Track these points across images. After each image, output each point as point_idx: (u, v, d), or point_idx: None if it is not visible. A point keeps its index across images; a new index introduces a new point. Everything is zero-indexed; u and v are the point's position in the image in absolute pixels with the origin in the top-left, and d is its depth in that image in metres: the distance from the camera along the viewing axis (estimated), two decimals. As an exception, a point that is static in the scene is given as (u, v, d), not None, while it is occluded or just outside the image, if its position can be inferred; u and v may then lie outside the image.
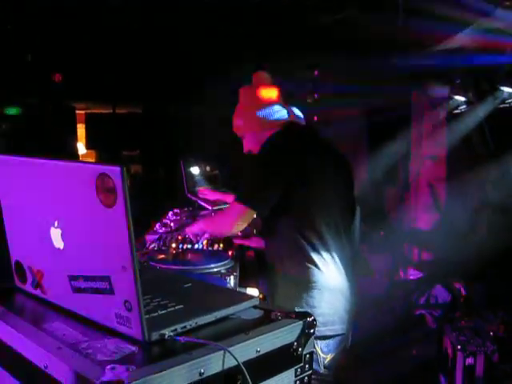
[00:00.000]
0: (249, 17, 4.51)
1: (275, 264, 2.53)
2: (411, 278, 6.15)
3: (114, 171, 1.08)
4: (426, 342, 4.98)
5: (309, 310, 1.39)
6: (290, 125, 2.60)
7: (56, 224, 1.28)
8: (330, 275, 2.42)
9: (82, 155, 8.74)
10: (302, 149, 2.48)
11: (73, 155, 7.71)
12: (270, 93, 2.64)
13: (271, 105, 2.60)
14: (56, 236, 1.29)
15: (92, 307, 1.27)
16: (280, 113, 2.61)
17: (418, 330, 5.33)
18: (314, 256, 2.40)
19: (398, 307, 5.73)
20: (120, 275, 1.14)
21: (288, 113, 2.63)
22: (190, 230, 2.75)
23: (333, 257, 2.44)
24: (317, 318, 2.04)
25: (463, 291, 5.21)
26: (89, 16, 4.66)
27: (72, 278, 1.28)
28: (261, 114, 2.58)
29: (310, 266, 2.40)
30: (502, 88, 4.07)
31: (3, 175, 1.43)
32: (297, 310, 1.41)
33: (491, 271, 4.59)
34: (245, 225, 2.50)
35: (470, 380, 3.82)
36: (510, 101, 4.15)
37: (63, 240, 1.28)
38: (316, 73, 5.57)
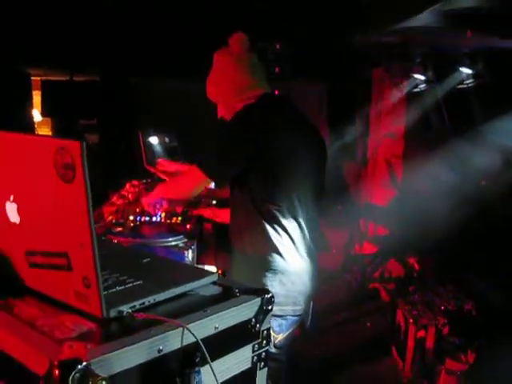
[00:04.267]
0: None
1: (234, 239, 2.49)
2: (366, 252, 6.27)
3: (72, 146, 1.05)
4: (379, 314, 5.11)
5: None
6: (264, 97, 2.47)
7: (12, 198, 1.25)
8: (287, 257, 2.37)
9: (38, 123, 8.52)
10: (270, 125, 2.35)
11: (28, 122, 7.51)
12: (248, 60, 2.49)
13: (248, 74, 2.47)
14: (12, 210, 1.26)
15: (49, 283, 1.25)
16: (256, 83, 2.48)
17: (371, 303, 5.46)
18: (273, 236, 2.35)
19: (353, 281, 5.85)
20: (78, 251, 1.12)
21: (264, 83, 2.51)
22: (146, 201, 2.70)
23: (292, 239, 2.38)
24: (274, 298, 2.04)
25: (416, 266, 5.34)
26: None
27: (29, 253, 1.26)
28: (236, 83, 2.46)
29: (267, 245, 2.35)
30: (461, 69, 4.13)
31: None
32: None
33: (444, 247, 4.71)
34: (199, 191, 2.53)
35: (421, 352, 3.95)
36: (468, 81, 4.21)
37: (19, 215, 1.25)
38: (278, 46, 5.53)
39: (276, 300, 2.23)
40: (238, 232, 2.46)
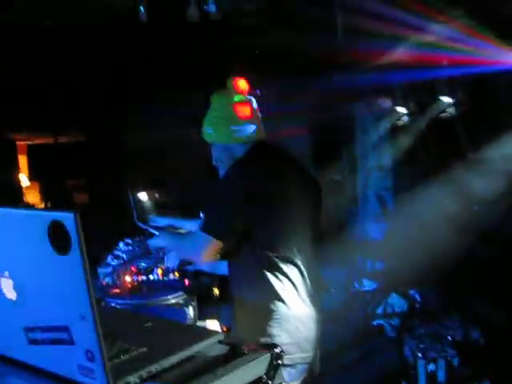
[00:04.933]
0: (187, 41, 4.51)
1: (234, 289, 2.44)
2: (366, 289, 6.20)
3: (67, 218, 1.03)
4: (386, 351, 5.01)
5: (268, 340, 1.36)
6: (259, 144, 2.46)
7: (7, 274, 1.22)
8: (290, 304, 2.32)
9: (26, 187, 8.50)
10: (269, 174, 2.35)
11: (16, 188, 7.51)
12: (247, 106, 2.46)
13: (247, 119, 2.43)
14: (7, 286, 1.23)
15: (51, 359, 1.21)
16: (253, 129, 2.45)
17: (377, 340, 5.37)
18: (274, 283, 2.31)
19: (356, 319, 5.76)
20: (79, 324, 1.09)
21: (259, 129, 2.49)
22: (154, 243, 2.67)
23: (294, 284, 2.34)
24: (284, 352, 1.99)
25: (418, 298, 5.29)
26: (24, 42, 4.56)
27: (28, 329, 1.22)
28: (236, 127, 2.42)
29: (269, 293, 2.31)
30: (442, 98, 4.18)
31: None
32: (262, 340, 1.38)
33: (444, 275, 4.68)
34: (215, 254, 2.33)
35: (434, 385, 3.88)
36: (449, 110, 4.26)
37: (16, 291, 1.22)
38: (258, 92, 5.58)
39: (283, 348, 2.17)
40: (237, 282, 2.41)
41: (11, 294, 1.23)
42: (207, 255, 2.31)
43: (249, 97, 2.51)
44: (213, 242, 2.28)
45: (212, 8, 3.44)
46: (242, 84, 2.50)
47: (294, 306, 2.35)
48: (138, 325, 1.51)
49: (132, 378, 1.14)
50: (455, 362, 3.86)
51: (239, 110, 2.44)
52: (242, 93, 2.48)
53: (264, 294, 2.32)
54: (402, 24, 3.22)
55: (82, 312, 1.07)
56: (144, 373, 1.17)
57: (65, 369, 1.18)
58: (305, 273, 2.38)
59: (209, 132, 2.52)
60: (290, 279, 2.34)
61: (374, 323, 5.65)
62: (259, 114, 2.55)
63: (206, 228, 2.29)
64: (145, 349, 1.29)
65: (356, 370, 4.83)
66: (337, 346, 4.98)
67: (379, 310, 5.73)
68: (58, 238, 1.05)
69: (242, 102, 2.46)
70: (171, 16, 3.80)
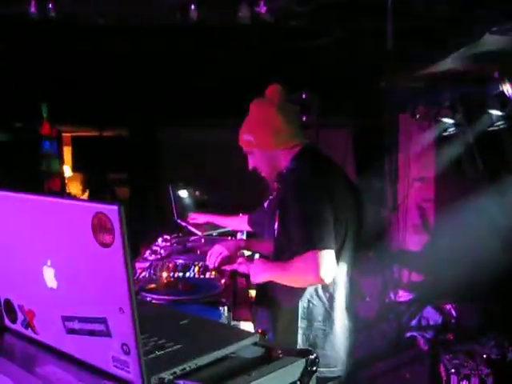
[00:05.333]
0: (235, 41, 4.52)
1: (273, 292, 2.40)
2: (401, 299, 6.13)
3: (111, 210, 1.04)
4: (418, 364, 4.94)
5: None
6: (308, 149, 2.44)
7: (49, 263, 1.23)
8: (336, 315, 2.30)
9: (68, 178, 8.67)
10: (330, 178, 2.33)
11: (59, 178, 7.66)
12: (289, 110, 2.47)
13: (289, 123, 2.43)
14: (49, 275, 1.24)
15: (87, 349, 1.22)
16: (296, 134, 2.44)
17: (409, 352, 5.30)
18: (322, 292, 2.28)
19: (390, 330, 5.70)
20: (117, 317, 1.09)
21: (302, 133, 2.48)
22: (254, 279, 2.43)
23: (341, 294, 2.32)
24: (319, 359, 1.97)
25: (454, 313, 5.20)
26: (76, 40, 4.65)
27: (66, 318, 1.23)
28: (277, 132, 2.41)
29: (316, 302, 2.28)
30: (491, 111, 4.08)
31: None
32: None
33: (482, 293, 4.58)
34: (333, 269, 2.14)
35: (465, 403, 3.80)
36: (498, 123, 4.16)
37: (56, 279, 1.23)
38: (304, 95, 5.57)
39: (324, 361, 2.14)
40: (281, 288, 2.33)
41: (52, 283, 1.24)
42: (324, 272, 2.11)
43: (289, 104, 2.49)
44: (322, 256, 2.11)
45: (263, 9, 3.44)
46: (279, 89, 2.48)
47: (339, 317, 2.33)
48: (174, 321, 1.51)
49: (166, 375, 1.14)
50: (489, 381, 3.77)
51: (280, 115, 2.42)
52: (279, 98, 2.46)
53: (310, 301, 2.29)
54: (456, 32, 3.17)
55: (120, 305, 1.07)
56: (178, 370, 1.17)
57: (100, 360, 1.19)
58: (347, 278, 2.36)
59: (247, 139, 2.49)
60: (337, 287, 2.31)
61: (408, 335, 5.58)
62: (300, 120, 2.54)
63: (314, 242, 2.12)
64: (179, 346, 1.29)
65: (386, 381, 4.77)
66: (368, 356, 4.94)
67: (413, 322, 5.65)
68: (101, 229, 1.06)
69: (282, 107, 2.44)
70: (222, 16, 3.82)
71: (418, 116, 5.50)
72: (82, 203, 1.14)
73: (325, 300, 2.30)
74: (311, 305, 2.29)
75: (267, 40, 4.39)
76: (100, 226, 1.06)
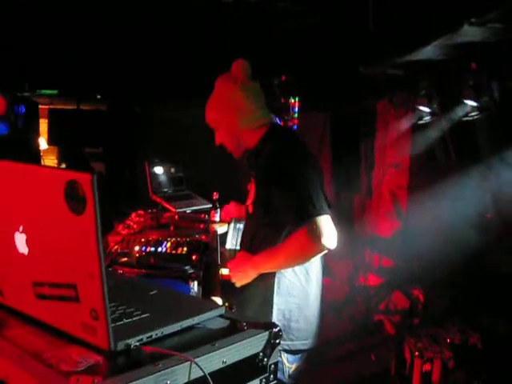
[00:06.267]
0: (215, 21, 4.50)
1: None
2: (371, 284, 6.22)
3: (84, 178, 1.06)
4: (384, 347, 5.05)
5: (285, 323, 1.38)
6: (276, 129, 2.45)
7: (21, 229, 1.25)
8: (311, 289, 2.36)
9: (44, 151, 8.57)
10: (306, 152, 2.34)
11: (35, 151, 7.56)
12: (253, 88, 2.42)
13: (253, 102, 2.40)
14: (20, 241, 1.26)
15: (56, 315, 1.24)
16: (262, 114, 2.43)
17: (376, 335, 5.40)
18: (297, 268, 2.31)
19: (358, 312, 5.79)
20: (87, 283, 1.12)
21: (267, 112, 2.45)
22: (235, 269, 2.37)
23: (316, 268, 2.37)
24: (293, 333, 2.05)
25: (421, 298, 5.29)
26: (54, 10, 4.58)
27: (36, 284, 1.25)
28: (241, 111, 2.38)
29: (291, 278, 2.32)
30: (466, 101, 4.15)
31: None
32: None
33: (449, 279, 4.68)
34: (334, 234, 2.10)
35: (427, 385, 3.90)
36: (473, 114, 4.23)
37: (28, 245, 1.25)
38: (283, 78, 5.59)
39: (298, 334, 2.18)
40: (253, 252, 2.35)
41: (23, 249, 1.26)
42: (326, 240, 2.07)
43: (253, 82, 2.44)
44: (324, 221, 2.09)
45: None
46: (244, 65, 2.42)
47: (313, 292, 2.38)
48: (143, 292, 1.54)
49: (132, 341, 1.17)
50: (450, 364, 3.87)
51: (244, 93, 2.38)
52: (244, 75, 2.40)
53: (280, 273, 2.32)
54: (435, 22, 3.20)
55: (90, 271, 1.10)
56: (144, 337, 1.20)
57: (69, 325, 1.21)
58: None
59: (212, 117, 2.46)
60: (311, 263, 2.35)
61: (375, 318, 5.68)
62: (264, 98, 2.48)
63: (309, 213, 2.09)
64: (147, 315, 1.32)
65: (351, 363, 4.87)
66: (336, 337, 5.03)
67: (381, 306, 5.75)
68: (73, 197, 1.08)
69: (245, 85, 2.40)
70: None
71: (395, 103, 5.56)
72: (54, 171, 1.16)
73: (300, 275, 2.34)
74: (287, 281, 2.33)
75: (249, 21, 4.38)
76: (73, 193, 1.08)
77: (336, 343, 5.01)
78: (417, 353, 3.96)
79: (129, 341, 1.16)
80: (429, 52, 3.70)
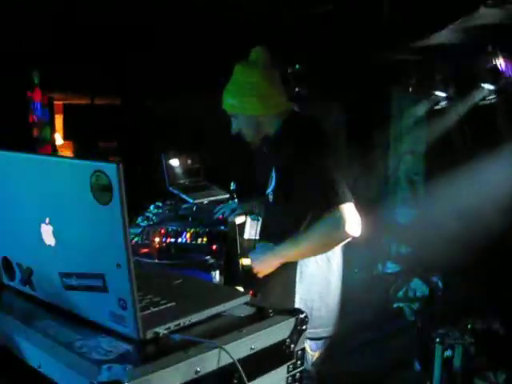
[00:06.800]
0: (227, 10, 4.49)
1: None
2: (389, 271, 6.20)
3: (109, 168, 1.06)
4: (404, 334, 5.03)
5: (308, 312, 1.38)
6: (297, 114, 2.43)
7: (47, 221, 1.26)
8: (332, 278, 2.37)
9: (59, 146, 8.63)
10: (329, 140, 2.33)
11: (50, 145, 7.63)
12: (273, 74, 2.41)
13: (273, 89, 2.38)
14: (47, 233, 1.27)
15: (85, 305, 1.25)
16: (281, 99, 2.41)
17: (396, 322, 5.39)
18: (319, 256, 2.32)
19: (377, 300, 5.78)
20: (114, 273, 1.12)
21: (286, 99, 2.43)
22: (258, 258, 2.36)
23: (337, 256, 2.39)
24: (315, 321, 2.04)
25: (440, 284, 5.28)
26: (68, 7, 4.60)
27: (64, 275, 1.27)
28: (263, 98, 2.35)
29: (313, 267, 2.33)
30: (483, 85, 4.10)
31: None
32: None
33: (469, 266, 4.65)
34: (358, 221, 2.10)
35: (448, 371, 3.88)
36: (490, 98, 4.19)
37: (55, 237, 1.26)
38: (297, 66, 5.57)
39: (320, 322, 2.19)
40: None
41: (50, 240, 1.27)
42: (350, 227, 2.07)
43: (273, 68, 2.43)
44: (348, 208, 2.08)
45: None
46: (264, 52, 2.42)
47: (335, 281, 2.39)
48: (168, 281, 1.55)
49: (161, 329, 1.17)
50: (472, 350, 3.86)
51: (265, 79, 2.36)
52: (264, 61, 2.40)
53: (302, 262, 2.33)
54: (451, 5, 3.17)
55: (117, 261, 1.10)
56: (172, 325, 1.21)
57: (97, 315, 1.23)
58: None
59: (231, 103, 2.43)
60: (334, 253, 2.37)
61: (395, 306, 5.66)
62: (282, 86, 2.46)
63: (334, 200, 2.08)
64: (174, 303, 1.33)
65: (371, 351, 4.86)
66: (355, 326, 5.02)
67: (400, 294, 5.74)
68: (99, 187, 1.09)
69: (266, 71, 2.38)
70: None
71: (410, 89, 5.52)
72: (80, 161, 1.16)
73: (322, 264, 2.34)
74: (309, 270, 2.33)
75: (261, 9, 4.36)
76: (98, 184, 1.08)
77: (356, 331, 5.00)
78: (437, 339, 3.95)
79: (157, 329, 1.17)
80: (444, 36, 3.66)
